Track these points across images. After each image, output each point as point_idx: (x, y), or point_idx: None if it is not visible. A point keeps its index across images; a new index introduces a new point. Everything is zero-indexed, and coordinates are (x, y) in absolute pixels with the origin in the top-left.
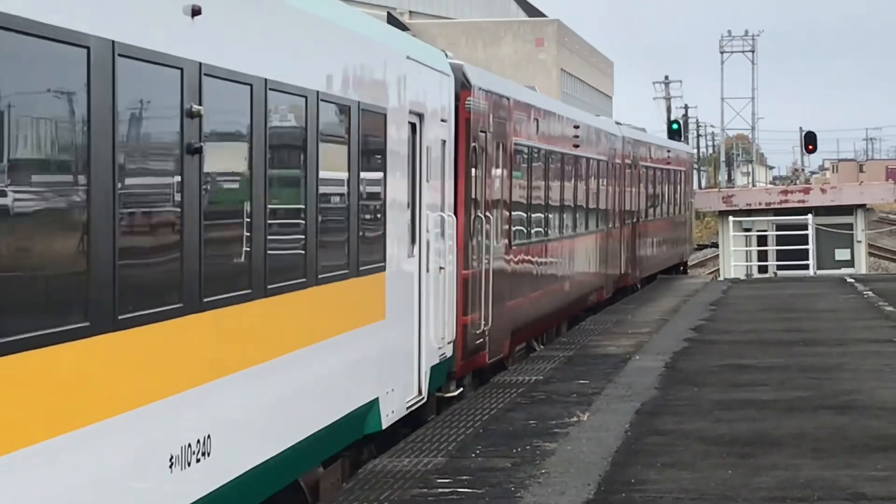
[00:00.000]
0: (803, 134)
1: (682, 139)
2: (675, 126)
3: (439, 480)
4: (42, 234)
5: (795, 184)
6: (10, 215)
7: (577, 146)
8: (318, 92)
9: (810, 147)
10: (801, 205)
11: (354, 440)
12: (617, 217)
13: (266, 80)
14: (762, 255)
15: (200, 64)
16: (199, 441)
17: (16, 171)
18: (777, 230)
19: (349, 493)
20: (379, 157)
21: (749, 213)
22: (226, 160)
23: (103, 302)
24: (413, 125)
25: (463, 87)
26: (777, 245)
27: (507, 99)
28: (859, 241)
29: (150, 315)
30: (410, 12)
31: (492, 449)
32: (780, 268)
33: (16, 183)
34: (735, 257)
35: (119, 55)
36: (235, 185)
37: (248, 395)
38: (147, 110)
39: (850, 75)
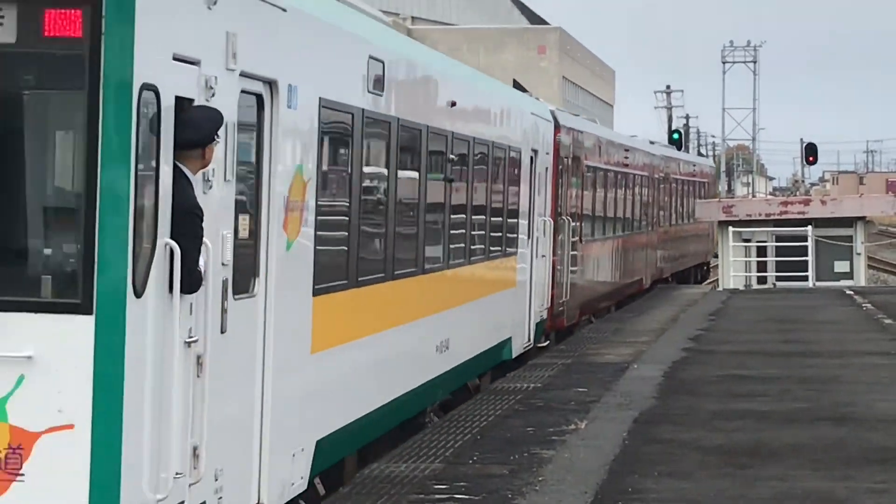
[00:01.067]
0: (804, 145)
1: (683, 149)
2: (675, 136)
3: (436, 486)
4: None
5: (795, 195)
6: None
7: (626, 165)
8: (492, 141)
9: (811, 158)
10: (800, 216)
11: (497, 363)
12: (654, 222)
13: (473, 137)
14: (761, 266)
15: (452, 132)
16: (444, 340)
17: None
18: (777, 241)
19: (346, 499)
20: (516, 180)
21: (749, 223)
22: (458, 185)
23: (390, 267)
24: (531, 157)
25: (556, 127)
26: (776, 256)
27: (581, 132)
28: (859, 254)
29: (405, 273)
30: (413, 18)
31: (489, 456)
32: (779, 279)
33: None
34: (734, 268)
35: (430, 132)
36: (462, 200)
37: (460, 320)
38: (434, 160)
39: (852, 87)
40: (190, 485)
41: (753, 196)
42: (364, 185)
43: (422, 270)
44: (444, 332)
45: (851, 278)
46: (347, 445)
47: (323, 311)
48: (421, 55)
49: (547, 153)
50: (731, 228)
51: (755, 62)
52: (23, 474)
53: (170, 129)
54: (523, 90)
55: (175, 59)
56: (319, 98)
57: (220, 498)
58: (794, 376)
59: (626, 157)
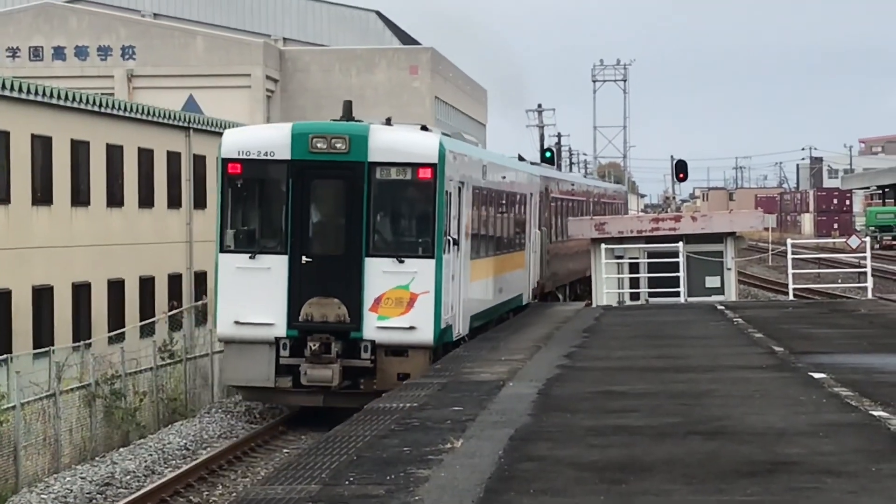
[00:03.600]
0: (674, 162)
1: (556, 166)
2: (548, 154)
3: None
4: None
5: (667, 211)
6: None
7: (573, 193)
8: (519, 192)
9: (681, 175)
10: (672, 232)
11: (517, 307)
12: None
13: (514, 191)
14: (634, 283)
15: (508, 191)
16: (501, 287)
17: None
18: (649, 257)
19: None
20: (525, 210)
21: (621, 240)
22: (508, 214)
23: (488, 251)
24: (531, 196)
25: (540, 178)
26: (649, 272)
27: (548, 176)
28: (729, 269)
29: (492, 254)
30: (285, 39)
31: (365, 476)
32: (651, 295)
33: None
34: (607, 284)
35: (500, 191)
36: (511, 221)
37: (506, 280)
38: (504, 203)
39: (721, 105)
40: (536, 281)
41: (625, 213)
42: (480, 215)
43: (495, 253)
44: (503, 283)
45: (722, 293)
46: (479, 320)
47: (473, 266)
48: (497, 158)
49: (534, 193)
50: (603, 245)
51: (625, 80)
52: (414, 306)
53: (454, 197)
54: (522, 160)
55: (453, 177)
56: (472, 186)
57: (453, 326)
58: (666, 391)
59: (573, 188)
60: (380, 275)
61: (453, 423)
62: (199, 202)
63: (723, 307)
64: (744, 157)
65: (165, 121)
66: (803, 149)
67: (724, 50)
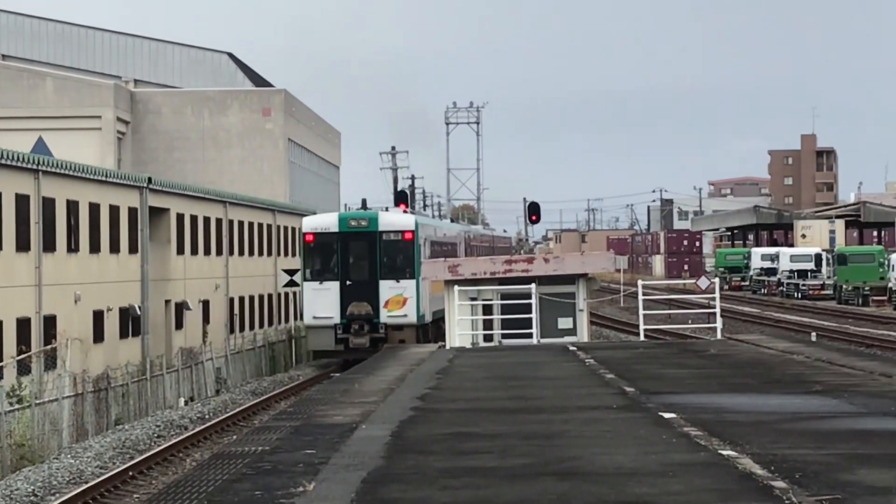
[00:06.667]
0: (527, 204)
1: (410, 208)
2: (401, 195)
3: None
4: None
5: (520, 253)
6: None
7: (482, 240)
8: (451, 242)
9: (534, 217)
10: (525, 274)
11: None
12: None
13: (446, 242)
14: (487, 324)
15: (443, 241)
16: (442, 297)
17: None
18: (502, 299)
19: None
20: (457, 252)
21: (475, 282)
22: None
23: None
24: (459, 243)
25: (417, 225)
26: (502, 314)
27: (467, 230)
28: (581, 310)
29: None
30: (136, 81)
31: None
32: (505, 336)
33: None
34: (461, 326)
35: (440, 240)
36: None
37: (444, 295)
38: (448, 245)
39: (573, 148)
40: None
41: (511, 254)
42: (433, 256)
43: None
44: (442, 296)
45: (575, 334)
46: (436, 315)
47: (431, 285)
48: (441, 224)
49: (460, 242)
50: (456, 287)
51: (478, 123)
52: (406, 304)
53: (422, 247)
54: (454, 220)
55: (423, 236)
56: (430, 241)
57: (425, 315)
58: (519, 432)
59: (482, 236)
60: (387, 289)
61: (306, 467)
62: (49, 245)
63: (575, 348)
64: (596, 199)
65: (13, 163)
66: (654, 191)
67: (577, 94)
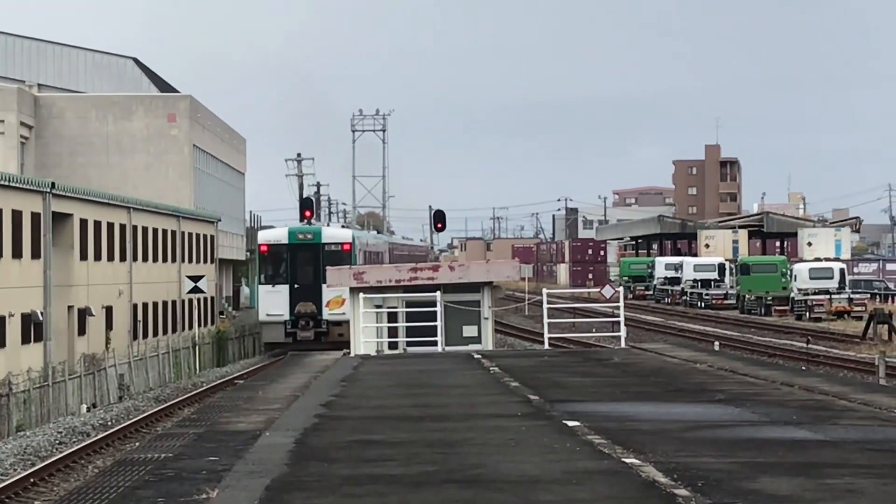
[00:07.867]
0: (432, 212)
1: (315, 216)
2: (307, 203)
3: None
4: None
5: (426, 261)
6: None
7: (402, 249)
8: (379, 251)
9: (439, 225)
10: (430, 282)
11: None
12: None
13: (376, 251)
14: (393, 332)
15: (371, 252)
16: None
17: None
18: (407, 307)
19: None
20: (382, 260)
21: (380, 290)
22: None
23: None
24: (384, 252)
25: (353, 238)
26: (407, 322)
27: (391, 240)
28: (486, 318)
29: None
30: (39, 85)
31: None
32: (410, 344)
33: None
34: (366, 333)
35: (371, 249)
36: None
37: None
38: (376, 254)
39: (479, 156)
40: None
41: (428, 261)
42: (367, 263)
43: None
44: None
45: (480, 342)
46: None
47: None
48: (370, 236)
49: (385, 251)
50: (361, 295)
51: (384, 130)
52: (344, 304)
53: (358, 257)
54: (380, 233)
55: (358, 247)
56: (364, 250)
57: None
58: (423, 440)
59: (402, 245)
60: (329, 292)
61: (209, 474)
62: None
63: (479, 356)
64: (501, 207)
65: None
66: (559, 199)
67: (484, 101)
